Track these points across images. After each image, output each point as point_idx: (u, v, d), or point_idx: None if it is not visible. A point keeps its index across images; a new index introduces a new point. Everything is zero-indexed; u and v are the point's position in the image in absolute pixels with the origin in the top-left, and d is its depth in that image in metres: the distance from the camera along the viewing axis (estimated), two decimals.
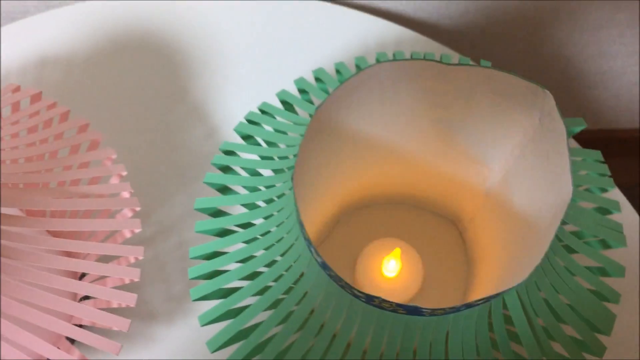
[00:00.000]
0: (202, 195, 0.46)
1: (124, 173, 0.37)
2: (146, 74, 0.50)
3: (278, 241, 0.32)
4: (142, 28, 0.52)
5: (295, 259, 0.29)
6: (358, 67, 0.43)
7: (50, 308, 0.31)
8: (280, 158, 0.34)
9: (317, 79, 0.41)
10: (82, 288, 0.32)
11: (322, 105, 0.29)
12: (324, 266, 0.26)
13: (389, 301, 0.25)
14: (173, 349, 0.41)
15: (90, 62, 0.51)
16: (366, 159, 0.38)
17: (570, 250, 0.35)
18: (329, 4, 0.52)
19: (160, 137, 0.48)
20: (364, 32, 0.52)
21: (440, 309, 0.25)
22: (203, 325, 0.33)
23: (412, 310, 0.25)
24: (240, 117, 0.49)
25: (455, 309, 0.25)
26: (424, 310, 0.25)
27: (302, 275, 0.28)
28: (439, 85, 0.31)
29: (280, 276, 0.30)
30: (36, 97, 0.39)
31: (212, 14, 0.52)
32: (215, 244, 0.35)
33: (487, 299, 0.26)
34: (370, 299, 0.26)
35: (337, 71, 0.42)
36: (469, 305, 0.25)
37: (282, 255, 0.30)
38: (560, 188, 0.28)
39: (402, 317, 0.26)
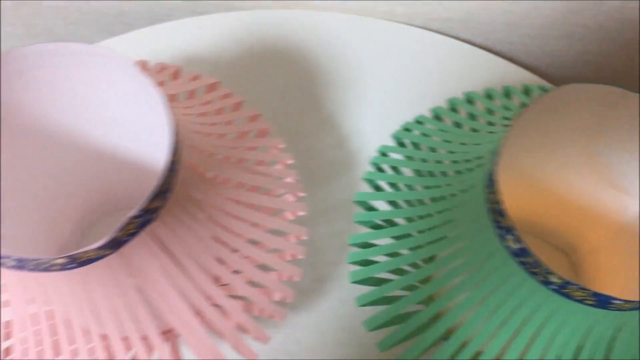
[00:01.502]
0: (330, 197, 0.49)
1: (290, 161, 0.40)
2: (284, 81, 0.54)
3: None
4: (285, 38, 0.56)
5: (476, 251, 0.31)
6: (469, 100, 0.46)
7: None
8: (454, 161, 0.37)
9: (452, 109, 0.45)
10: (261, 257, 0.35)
11: (524, 112, 0.32)
12: (520, 253, 0.29)
13: (585, 288, 0.27)
14: (309, 332, 0.44)
15: (234, 67, 0.54)
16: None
17: None
18: (447, 39, 0.57)
19: (292, 141, 0.51)
20: (476, 67, 0.56)
21: (635, 301, 0.27)
22: (370, 330, 0.35)
23: (602, 301, 0.28)
24: (367, 131, 0.52)
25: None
26: (617, 301, 0.27)
27: (484, 264, 0.31)
28: (613, 111, 0.35)
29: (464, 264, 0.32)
30: (212, 86, 0.43)
31: (354, 29, 0.56)
32: (374, 234, 0.38)
33: None
34: (563, 286, 0.28)
35: (468, 101, 0.45)
36: None
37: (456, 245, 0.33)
38: None
39: (586, 309, 0.29)
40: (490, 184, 0.29)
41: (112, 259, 0.29)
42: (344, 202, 0.48)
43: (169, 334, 0.37)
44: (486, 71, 0.56)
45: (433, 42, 0.56)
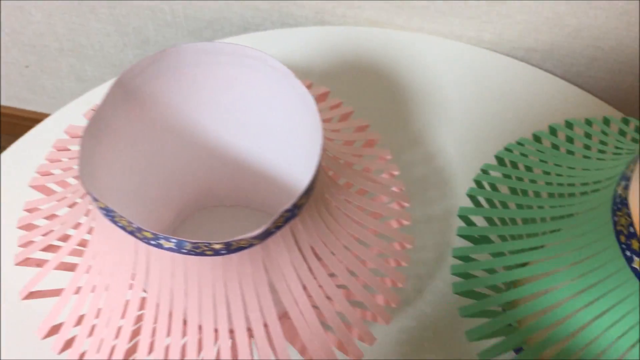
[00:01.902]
0: (417, 211, 0.50)
1: (396, 172, 0.42)
2: (371, 96, 0.56)
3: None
4: (373, 55, 0.58)
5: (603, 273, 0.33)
6: (552, 132, 0.47)
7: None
8: (560, 185, 0.39)
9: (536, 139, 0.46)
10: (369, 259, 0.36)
11: None
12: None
13: None
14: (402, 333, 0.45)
15: (322, 80, 0.56)
16: None
17: None
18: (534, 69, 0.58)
19: None
20: (556, 97, 0.57)
21: None
22: (472, 341, 0.37)
23: None
24: (451, 152, 0.53)
25: None
26: None
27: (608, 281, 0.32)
28: None
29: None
30: (322, 96, 0.44)
31: (441, 52, 0.58)
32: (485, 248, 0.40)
33: None
34: None
35: (552, 132, 0.47)
36: None
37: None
38: None
39: None
40: (620, 207, 0.31)
41: (256, 250, 0.31)
42: (429, 216, 0.50)
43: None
44: (565, 101, 0.57)
45: (517, 70, 0.58)
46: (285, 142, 0.39)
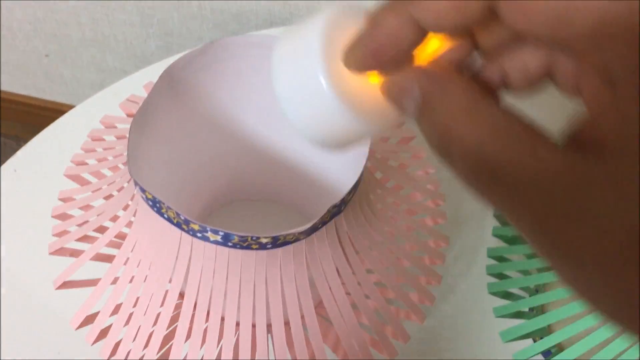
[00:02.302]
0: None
1: (432, 170, 0.42)
2: None
3: None
4: None
5: None
6: None
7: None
8: None
9: None
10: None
11: None
12: None
13: None
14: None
15: None
16: None
17: None
18: None
19: None
20: None
21: None
22: (506, 342, 0.37)
23: None
24: None
25: None
26: None
27: None
28: None
29: None
30: None
31: None
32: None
33: None
34: None
35: None
36: None
37: None
38: None
39: None
40: None
41: (300, 245, 0.31)
42: (464, 215, 0.50)
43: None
44: None
45: None
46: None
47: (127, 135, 0.42)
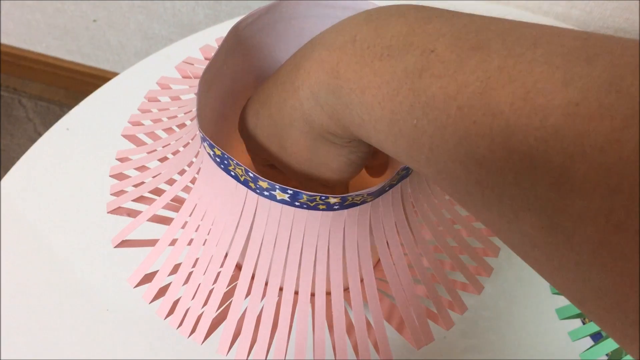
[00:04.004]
0: None
1: None
2: None
3: None
4: None
5: None
6: None
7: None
8: None
9: None
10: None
11: None
12: None
13: None
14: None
15: None
16: None
17: None
18: None
19: None
20: None
21: None
22: (562, 319, 0.36)
23: None
24: None
25: None
26: None
27: None
28: None
29: None
30: None
31: None
32: None
33: None
34: None
35: None
36: None
37: None
38: None
39: None
40: None
41: (366, 207, 0.30)
42: None
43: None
44: None
45: None
46: None
47: (181, 97, 0.42)
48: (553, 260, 0.17)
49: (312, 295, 0.37)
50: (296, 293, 0.36)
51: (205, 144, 0.30)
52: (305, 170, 0.31)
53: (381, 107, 0.22)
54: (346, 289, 0.40)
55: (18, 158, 0.51)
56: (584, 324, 0.42)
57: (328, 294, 0.37)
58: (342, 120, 0.25)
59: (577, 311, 0.36)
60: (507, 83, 0.18)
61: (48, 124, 0.54)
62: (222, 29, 0.55)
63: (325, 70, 0.25)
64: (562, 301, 0.43)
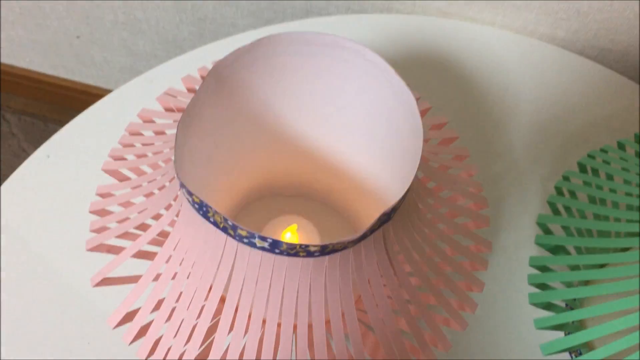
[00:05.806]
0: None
1: (474, 172, 0.41)
2: (438, 89, 0.54)
3: None
4: (441, 46, 0.56)
5: None
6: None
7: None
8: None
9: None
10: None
11: None
12: None
13: None
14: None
15: None
16: None
17: None
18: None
19: None
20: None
21: None
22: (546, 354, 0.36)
23: None
24: (518, 149, 0.52)
25: None
26: None
27: None
28: None
29: None
30: None
31: (512, 48, 0.56)
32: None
33: None
34: None
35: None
36: None
37: None
38: None
39: None
40: None
41: (347, 253, 0.30)
42: (505, 220, 0.49)
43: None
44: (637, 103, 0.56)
45: (588, 70, 0.56)
46: (370, 139, 0.38)
47: (166, 132, 0.41)
48: None
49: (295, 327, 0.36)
50: (279, 325, 0.36)
51: (184, 190, 0.29)
52: None
53: None
54: (327, 322, 0.40)
55: (2, 173, 0.51)
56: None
57: (310, 326, 0.37)
58: None
59: (563, 346, 0.36)
60: None
61: (32, 139, 0.54)
62: (205, 52, 0.55)
63: None
64: (550, 335, 0.43)
